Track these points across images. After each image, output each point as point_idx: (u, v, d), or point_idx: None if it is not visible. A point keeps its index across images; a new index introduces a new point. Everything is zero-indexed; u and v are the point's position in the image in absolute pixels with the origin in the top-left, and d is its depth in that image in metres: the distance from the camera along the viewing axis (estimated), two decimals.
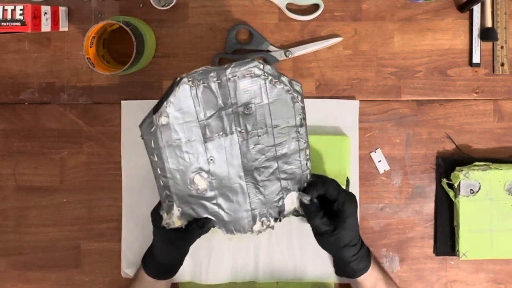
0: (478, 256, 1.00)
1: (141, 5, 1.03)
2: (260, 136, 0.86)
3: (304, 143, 0.88)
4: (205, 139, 0.84)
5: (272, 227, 0.91)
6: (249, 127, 0.85)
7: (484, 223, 1.00)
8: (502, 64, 1.03)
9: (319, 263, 1.01)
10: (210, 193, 0.87)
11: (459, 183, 0.99)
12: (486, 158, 1.02)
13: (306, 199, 0.89)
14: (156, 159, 0.84)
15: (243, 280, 1.02)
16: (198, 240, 0.98)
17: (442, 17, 1.03)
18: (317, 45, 1.02)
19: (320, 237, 0.90)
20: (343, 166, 1.00)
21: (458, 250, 1.00)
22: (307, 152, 0.89)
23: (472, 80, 1.03)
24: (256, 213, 0.89)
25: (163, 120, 0.82)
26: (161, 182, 0.85)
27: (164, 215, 0.87)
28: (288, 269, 1.01)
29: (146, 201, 1.01)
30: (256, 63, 0.82)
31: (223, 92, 0.83)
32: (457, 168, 1.00)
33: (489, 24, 1.02)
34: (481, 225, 1.00)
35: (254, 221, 0.89)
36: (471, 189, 0.99)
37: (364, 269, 0.92)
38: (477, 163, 1.00)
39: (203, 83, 0.81)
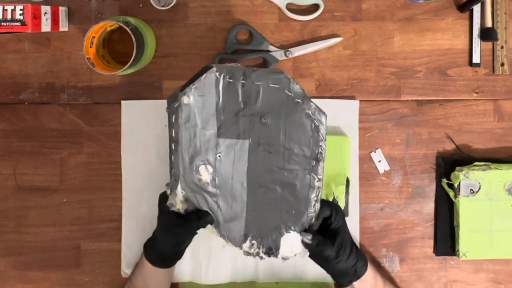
0: (478, 256, 1.00)
1: (141, 5, 1.03)
2: (271, 153, 0.84)
3: (317, 181, 0.84)
4: (219, 133, 0.85)
5: (261, 258, 0.87)
6: (261, 139, 0.84)
7: (484, 223, 1.00)
8: (502, 64, 1.03)
9: None
10: (211, 189, 0.87)
11: (459, 183, 0.99)
12: (486, 158, 1.02)
13: (308, 238, 0.85)
14: (174, 135, 0.86)
15: (243, 280, 1.02)
16: (198, 240, 0.98)
17: (442, 17, 1.03)
18: (317, 45, 1.02)
19: (335, 260, 0.88)
20: (343, 166, 1.00)
21: (458, 250, 1.00)
22: (318, 193, 0.85)
23: (472, 80, 1.03)
24: (249, 232, 0.87)
25: (185, 99, 0.83)
26: (172, 158, 0.87)
27: (168, 192, 0.88)
28: (288, 269, 1.01)
29: (146, 201, 1.01)
30: (283, 75, 0.82)
31: (245, 93, 0.83)
32: (457, 168, 1.00)
33: (489, 24, 1.02)
34: (481, 225, 1.00)
35: (245, 239, 0.87)
36: (471, 189, 0.99)
37: (366, 263, 0.92)
38: (477, 163, 1.00)
39: (229, 78, 0.83)
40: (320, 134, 0.83)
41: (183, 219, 0.89)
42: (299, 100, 0.83)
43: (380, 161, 1.03)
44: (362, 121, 1.03)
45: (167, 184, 0.89)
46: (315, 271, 1.01)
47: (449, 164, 1.02)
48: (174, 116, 0.85)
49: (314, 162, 0.84)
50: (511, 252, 1.01)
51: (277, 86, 0.82)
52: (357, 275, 0.92)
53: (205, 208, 0.88)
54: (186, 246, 0.93)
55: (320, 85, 1.03)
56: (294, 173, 0.85)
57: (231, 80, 0.83)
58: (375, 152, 1.03)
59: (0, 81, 1.04)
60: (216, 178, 0.86)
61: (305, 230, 0.87)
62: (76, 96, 1.03)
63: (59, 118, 1.03)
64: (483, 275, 1.03)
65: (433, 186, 1.03)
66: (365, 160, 1.03)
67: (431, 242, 1.03)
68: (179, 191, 0.88)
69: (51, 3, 1.00)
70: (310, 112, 0.83)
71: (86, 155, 1.03)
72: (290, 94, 0.82)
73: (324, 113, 0.84)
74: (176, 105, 0.84)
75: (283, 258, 0.88)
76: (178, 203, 0.88)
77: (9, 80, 1.04)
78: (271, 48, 1.02)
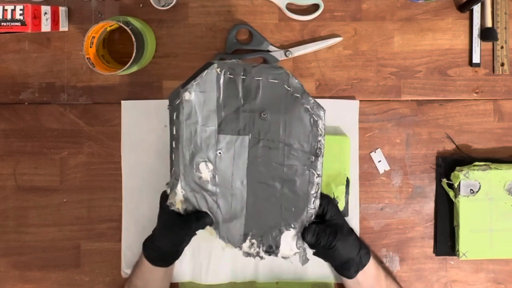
0: (478, 256, 1.00)
1: (141, 5, 1.03)
2: (271, 148, 0.85)
3: (317, 177, 0.85)
4: (219, 130, 0.85)
5: (261, 257, 0.88)
6: (261, 135, 0.85)
7: (484, 223, 1.00)
8: (502, 64, 1.03)
9: (319, 263, 1.01)
10: (211, 187, 0.87)
11: (459, 183, 0.99)
12: (486, 158, 1.02)
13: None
14: (174, 132, 0.86)
15: (243, 280, 1.02)
16: (198, 240, 0.98)
17: (442, 17, 1.03)
18: (317, 45, 1.02)
19: (335, 244, 0.90)
20: (343, 166, 1.00)
21: (458, 250, 1.00)
22: (318, 189, 0.86)
23: (472, 80, 1.03)
24: (249, 231, 0.87)
25: (187, 95, 0.84)
26: (173, 157, 0.87)
27: (168, 191, 0.89)
28: (288, 269, 1.01)
29: (146, 201, 1.01)
30: (282, 71, 0.83)
31: (245, 89, 0.84)
32: (457, 168, 1.00)
33: (489, 24, 1.02)
34: (481, 225, 1.00)
35: (245, 239, 0.88)
36: (471, 189, 0.99)
37: (369, 252, 0.93)
38: (477, 163, 1.00)
39: (230, 74, 0.83)
40: (319, 129, 0.84)
41: (182, 219, 0.89)
42: (298, 95, 0.84)
43: (380, 161, 1.03)
44: (362, 121, 1.03)
45: (167, 184, 0.89)
46: (315, 271, 1.01)
47: (449, 164, 1.02)
48: (175, 113, 0.85)
49: (313, 157, 0.85)
50: (511, 252, 1.01)
51: (276, 81, 0.83)
52: (362, 263, 0.92)
53: (205, 209, 0.88)
54: (185, 246, 0.93)
55: (320, 85, 1.03)
56: (294, 169, 0.85)
57: (231, 76, 0.84)
58: (375, 152, 1.03)
59: (0, 81, 1.04)
60: (216, 176, 0.86)
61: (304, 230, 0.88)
62: (76, 96, 1.03)
63: (59, 118, 1.03)
64: (483, 275, 1.03)
65: (433, 186, 1.03)
66: (365, 160, 1.03)
67: (431, 242, 1.03)
68: (179, 190, 0.87)
69: (51, 3, 1.00)
70: (308, 106, 0.84)
71: (86, 155, 1.03)
72: (289, 89, 0.83)
73: (322, 108, 0.85)
74: (177, 102, 0.85)
75: (283, 257, 0.88)
76: (177, 203, 0.88)
77: (9, 80, 1.04)
78: (271, 48, 1.02)
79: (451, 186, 1.01)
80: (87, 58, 0.95)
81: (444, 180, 1.01)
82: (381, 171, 1.03)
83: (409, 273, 1.03)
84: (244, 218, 0.87)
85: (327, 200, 0.91)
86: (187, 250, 1.00)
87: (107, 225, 1.03)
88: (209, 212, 0.88)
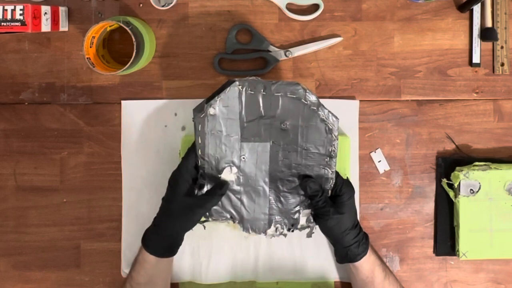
0: (478, 256, 1.00)
1: (141, 5, 1.03)
2: (289, 152, 0.93)
3: (331, 174, 0.93)
4: (242, 139, 0.92)
5: (285, 235, 0.97)
6: (281, 141, 0.92)
7: (484, 223, 1.00)
8: (502, 64, 1.03)
9: (319, 262, 1.01)
10: (236, 187, 0.94)
11: (459, 183, 0.99)
12: (486, 158, 1.02)
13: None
14: (200, 141, 0.92)
15: (243, 279, 1.02)
16: (198, 240, 0.98)
17: (442, 17, 1.03)
18: (317, 45, 1.02)
19: (326, 218, 0.91)
20: (343, 166, 1.00)
21: (458, 250, 1.00)
22: (331, 183, 0.94)
23: (472, 80, 1.03)
24: (273, 219, 0.95)
25: (211, 110, 0.91)
26: (199, 162, 0.93)
27: (196, 192, 0.94)
28: (288, 269, 1.01)
29: (146, 201, 1.01)
30: (300, 87, 0.90)
31: (266, 103, 0.91)
32: (457, 168, 1.00)
33: (489, 24, 1.02)
34: (481, 225, 1.00)
35: (269, 225, 0.96)
36: (471, 189, 0.99)
37: (363, 253, 0.93)
38: (477, 163, 1.00)
39: (250, 90, 0.90)
40: (333, 135, 0.92)
41: (204, 197, 0.92)
42: (315, 108, 0.91)
43: (380, 161, 1.03)
44: (362, 121, 1.03)
45: (196, 184, 0.94)
46: (315, 271, 1.01)
47: (449, 164, 1.02)
48: (200, 125, 0.91)
49: (328, 158, 0.93)
50: (511, 252, 1.01)
51: (294, 96, 0.90)
52: (348, 259, 0.94)
53: (228, 206, 0.95)
54: (190, 229, 0.93)
55: (320, 85, 1.03)
56: (310, 168, 0.93)
57: (252, 92, 0.90)
58: (375, 152, 1.03)
59: (0, 81, 1.04)
60: (241, 177, 0.94)
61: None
62: (76, 96, 1.03)
63: (59, 118, 1.03)
64: (483, 275, 1.03)
65: (433, 186, 1.03)
66: (365, 160, 1.03)
67: (431, 242, 1.03)
68: (205, 192, 0.94)
69: (51, 3, 1.00)
70: (324, 117, 0.91)
71: (86, 155, 1.03)
72: (306, 102, 0.90)
73: (336, 117, 0.92)
74: (202, 115, 0.91)
75: (300, 229, 0.97)
76: None
77: (9, 80, 1.04)
78: (271, 48, 1.02)
79: (451, 186, 1.01)
80: (87, 58, 0.95)
81: (444, 180, 1.01)
82: (381, 171, 1.03)
83: (409, 273, 1.03)
84: (267, 209, 0.95)
85: (341, 182, 0.94)
86: (187, 250, 1.00)
87: (107, 225, 1.03)
88: (232, 210, 0.94)
